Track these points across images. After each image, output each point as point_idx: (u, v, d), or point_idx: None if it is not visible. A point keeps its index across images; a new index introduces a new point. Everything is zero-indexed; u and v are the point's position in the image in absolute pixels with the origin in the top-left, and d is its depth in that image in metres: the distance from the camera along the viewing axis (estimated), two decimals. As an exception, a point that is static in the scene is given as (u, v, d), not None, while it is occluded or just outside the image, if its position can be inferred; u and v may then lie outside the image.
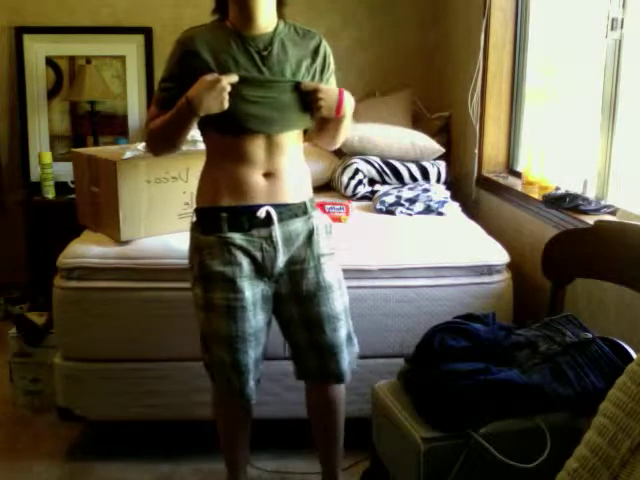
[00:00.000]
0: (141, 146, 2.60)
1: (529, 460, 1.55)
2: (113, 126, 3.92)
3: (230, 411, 2.05)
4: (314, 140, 2.04)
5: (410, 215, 2.88)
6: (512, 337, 1.83)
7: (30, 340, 2.72)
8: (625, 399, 1.16)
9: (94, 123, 3.82)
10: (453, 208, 2.98)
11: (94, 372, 2.39)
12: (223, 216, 1.84)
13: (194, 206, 1.94)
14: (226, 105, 1.74)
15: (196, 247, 1.90)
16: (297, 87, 1.82)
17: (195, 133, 2.89)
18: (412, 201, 2.92)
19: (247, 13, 1.79)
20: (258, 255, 1.85)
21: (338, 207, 2.80)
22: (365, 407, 1.99)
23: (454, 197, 3.12)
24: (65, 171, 3.57)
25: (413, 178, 3.26)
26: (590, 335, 1.77)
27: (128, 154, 2.46)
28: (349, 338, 1.99)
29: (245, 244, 1.84)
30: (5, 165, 3.94)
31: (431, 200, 2.93)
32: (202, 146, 2.82)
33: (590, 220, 2.12)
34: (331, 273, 1.94)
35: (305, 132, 1.96)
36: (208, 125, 1.85)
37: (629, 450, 1.13)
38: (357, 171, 3.23)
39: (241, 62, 1.80)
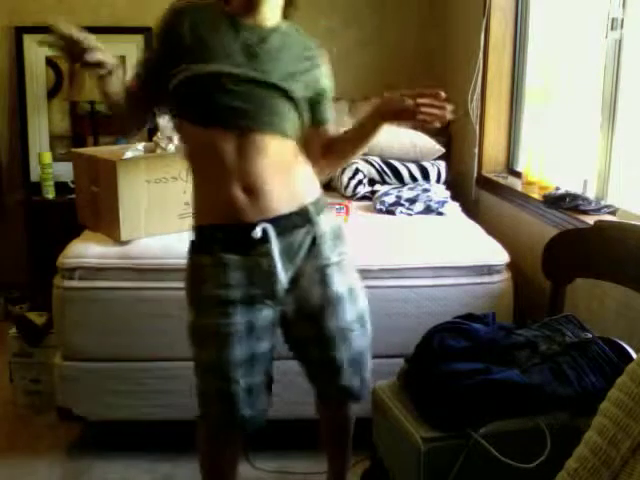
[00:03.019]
0: (141, 146, 2.60)
1: (529, 460, 1.55)
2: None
3: (219, 447, 1.88)
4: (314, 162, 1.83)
5: (410, 215, 2.88)
6: (512, 337, 1.83)
7: (30, 340, 2.72)
8: (625, 399, 1.16)
9: (94, 123, 3.82)
10: (453, 208, 2.99)
11: (94, 372, 2.39)
12: (217, 235, 1.70)
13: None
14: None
15: (190, 267, 1.76)
16: (282, 90, 1.65)
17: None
18: (412, 201, 2.93)
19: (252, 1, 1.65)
20: (256, 275, 1.69)
21: (338, 207, 2.80)
22: (365, 407, 1.99)
23: (454, 197, 3.12)
24: (65, 171, 3.57)
25: (413, 178, 3.26)
26: (590, 335, 1.77)
27: (128, 154, 2.46)
28: (367, 349, 1.86)
29: (241, 265, 1.68)
30: (5, 165, 3.94)
31: (431, 200, 2.93)
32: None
33: (590, 220, 2.12)
34: (340, 282, 1.77)
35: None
36: (178, 108, 1.71)
37: (629, 450, 1.13)
38: (357, 171, 3.23)
39: (227, 51, 1.64)
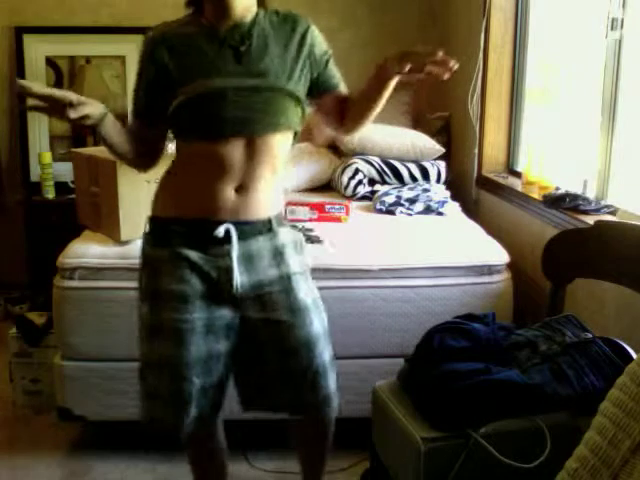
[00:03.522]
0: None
1: (529, 460, 1.55)
2: (113, 126, 3.92)
3: (199, 453, 1.90)
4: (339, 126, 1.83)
5: (410, 215, 2.88)
6: (512, 337, 1.83)
7: (30, 340, 2.72)
8: (625, 399, 1.16)
9: (94, 123, 3.82)
10: (453, 208, 2.98)
11: (94, 372, 2.39)
12: (178, 229, 1.66)
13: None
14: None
15: (145, 261, 1.73)
16: (283, 90, 1.65)
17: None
18: (412, 201, 2.93)
19: (222, 1, 1.61)
20: (214, 274, 1.66)
21: (338, 207, 2.80)
22: (365, 407, 1.99)
23: (454, 197, 3.12)
24: (65, 171, 3.58)
25: (413, 178, 3.26)
26: (590, 335, 1.77)
27: (128, 154, 2.45)
28: (332, 362, 1.79)
29: (200, 262, 1.65)
30: (5, 165, 3.95)
31: (431, 200, 2.93)
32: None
33: (590, 220, 2.12)
34: (305, 292, 1.73)
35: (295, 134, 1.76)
36: (180, 130, 1.70)
37: (629, 450, 1.13)
38: (357, 171, 3.23)
39: (216, 62, 1.62)
